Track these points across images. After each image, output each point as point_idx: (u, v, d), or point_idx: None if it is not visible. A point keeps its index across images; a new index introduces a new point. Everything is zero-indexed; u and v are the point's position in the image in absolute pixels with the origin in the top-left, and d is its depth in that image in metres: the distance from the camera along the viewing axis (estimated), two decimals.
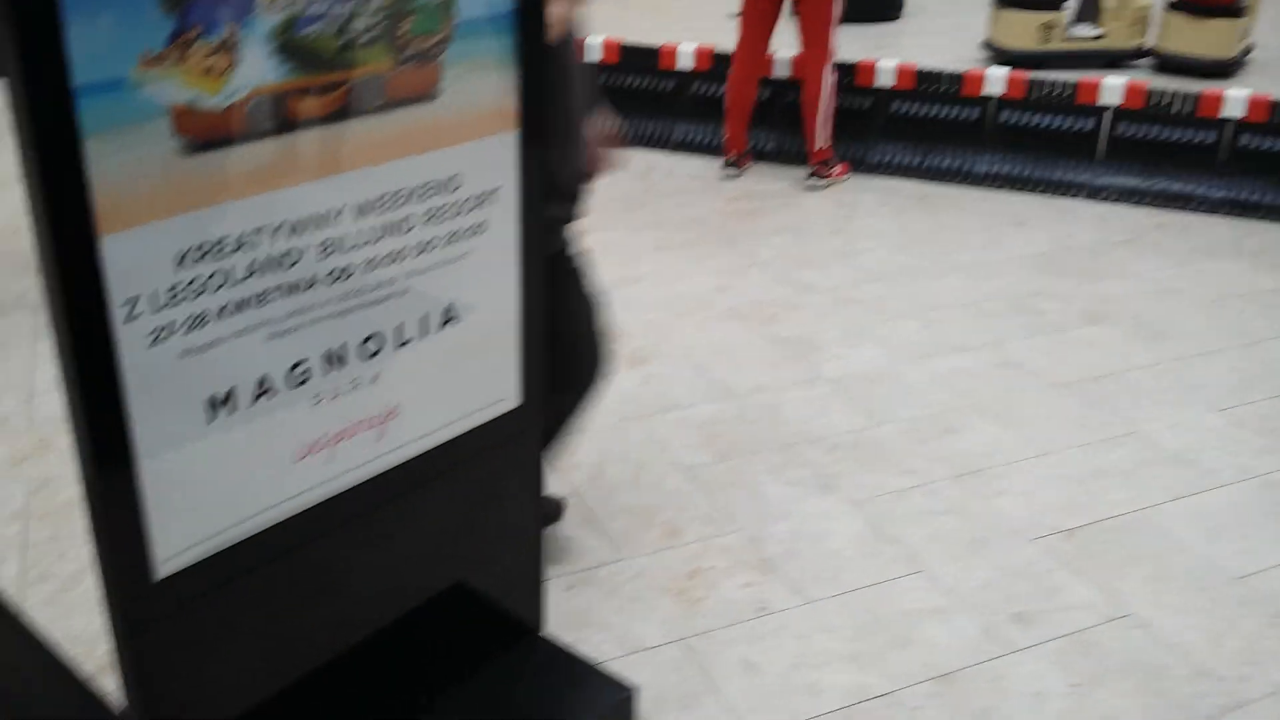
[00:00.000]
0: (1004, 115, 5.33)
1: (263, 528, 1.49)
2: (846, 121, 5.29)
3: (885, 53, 6.08)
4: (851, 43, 5.85)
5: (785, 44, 5.23)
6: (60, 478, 2.87)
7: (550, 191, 2.16)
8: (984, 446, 3.11)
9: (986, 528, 2.75)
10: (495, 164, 1.59)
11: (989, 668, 2.28)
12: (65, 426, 3.11)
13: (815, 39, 5.00)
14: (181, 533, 1.40)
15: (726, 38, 5.34)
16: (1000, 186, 5.29)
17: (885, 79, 5.38)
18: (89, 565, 2.52)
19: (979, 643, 2.35)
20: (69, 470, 2.90)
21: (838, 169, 5.26)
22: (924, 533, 2.72)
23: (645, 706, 2.12)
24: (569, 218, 2.24)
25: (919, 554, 2.64)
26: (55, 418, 3.18)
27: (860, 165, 5.41)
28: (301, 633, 1.64)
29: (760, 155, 5.48)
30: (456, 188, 1.54)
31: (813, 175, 5.23)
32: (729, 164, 5.30)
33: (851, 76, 5.37)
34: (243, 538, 1.47)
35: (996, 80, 5.24)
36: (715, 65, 5.51)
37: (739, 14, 5.10)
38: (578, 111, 2.18)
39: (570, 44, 2.07)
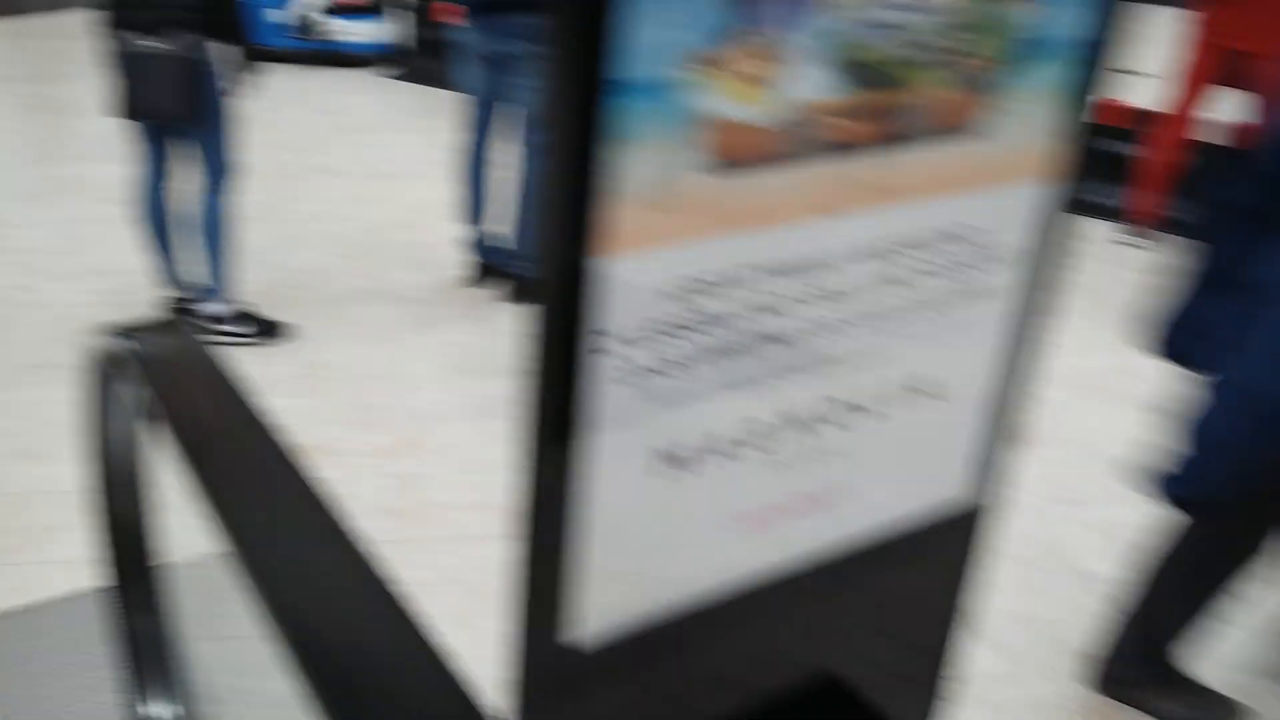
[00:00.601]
0: None
1: (687, 603, 1.29)
2: None
3: None
4: None
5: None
6: (424, 478, 2.85)
7: None
8: None
9: None
10: (1020, 219, 1.31)
11: None
12: (436, 426, 3.18)
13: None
14: (606, 596, 1.22)
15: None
16: None
17: None
18: (437, 579, 2.46)
19: None
20: (434, 472, 2.88)
21: None
22: None
23: None
24: None
25: None
26: (426, 414, 3.19)
27: None
28: (678, 709, 1.45)
29: (1166, 227, 4.90)
30: (971, 241, 1.28)
31: None
32: (1132, 231, 4.77)
33: None
34: (665, 610, 1.27)
35: None
36: (1133, 123, 4.99)
37: (1180, 71, 4.57)
38: None
39: None
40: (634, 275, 1.03)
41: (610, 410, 1.10)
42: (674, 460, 1.17)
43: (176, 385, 1.06)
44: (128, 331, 1.06)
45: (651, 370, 1.10)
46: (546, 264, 1.00)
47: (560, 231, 0.99)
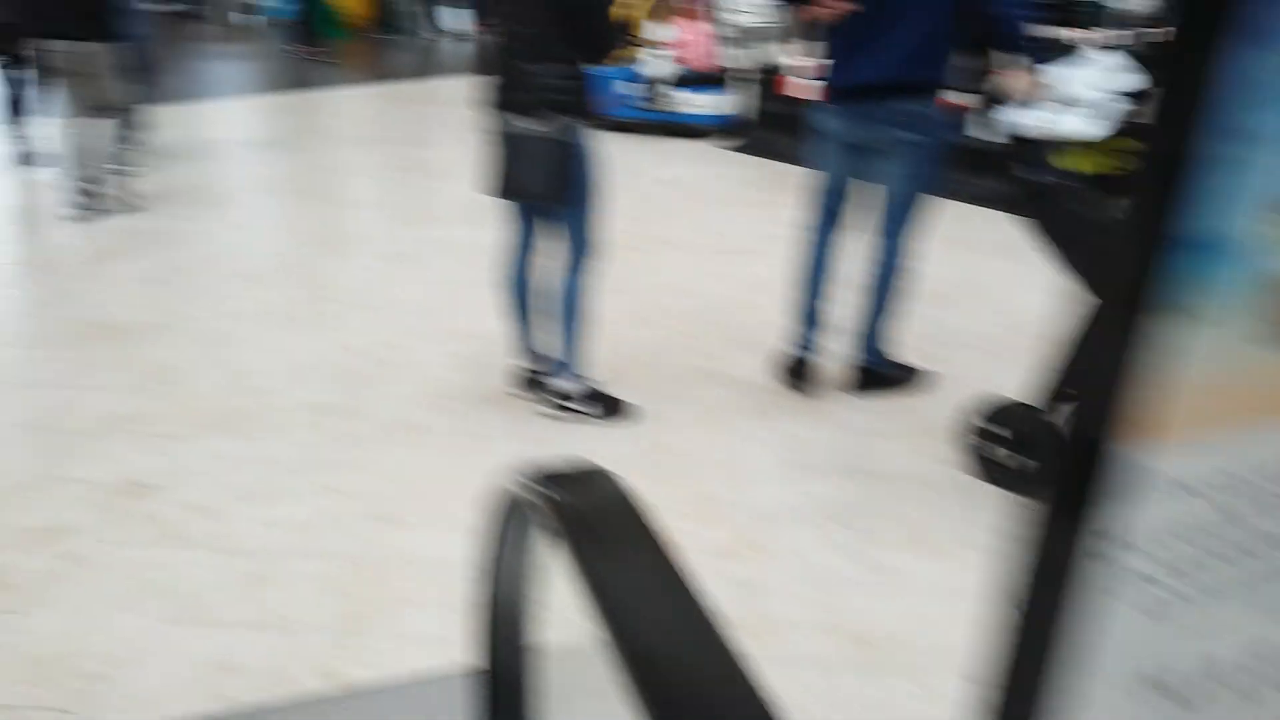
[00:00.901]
0: None
1: None
2: None
3: None
4: None
5: None
6: (764, 588, 2.68)
7: None
8: None
9: None
10: None
11: None
12: (776, 528, 3.02)
13: None
14: None
15: None
16: None
17: None
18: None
19: None
20: (774, 581, 2.71)
21: None
22: None
23: None
24: None
25: None
26: (766, 513, 3.05)
27: None
28: None
29: None
30: None
31: None
32: None
33: None
34: None
35: None
36: None
37: None
38: None
39: None
40: (1161, 467, 0.83)
41: (1096, 624, 0.90)
42: (1165, 689, 0.95)
43: (591, 533, 0.96)
44: (545, 477, 0.98)
45: (1154, 580, 0.89)
46: (1067, 449, 0.83)
47: (1089, 411, 0.81)
